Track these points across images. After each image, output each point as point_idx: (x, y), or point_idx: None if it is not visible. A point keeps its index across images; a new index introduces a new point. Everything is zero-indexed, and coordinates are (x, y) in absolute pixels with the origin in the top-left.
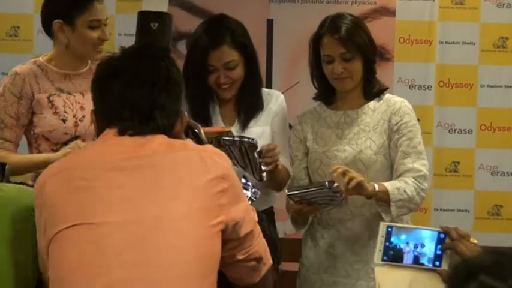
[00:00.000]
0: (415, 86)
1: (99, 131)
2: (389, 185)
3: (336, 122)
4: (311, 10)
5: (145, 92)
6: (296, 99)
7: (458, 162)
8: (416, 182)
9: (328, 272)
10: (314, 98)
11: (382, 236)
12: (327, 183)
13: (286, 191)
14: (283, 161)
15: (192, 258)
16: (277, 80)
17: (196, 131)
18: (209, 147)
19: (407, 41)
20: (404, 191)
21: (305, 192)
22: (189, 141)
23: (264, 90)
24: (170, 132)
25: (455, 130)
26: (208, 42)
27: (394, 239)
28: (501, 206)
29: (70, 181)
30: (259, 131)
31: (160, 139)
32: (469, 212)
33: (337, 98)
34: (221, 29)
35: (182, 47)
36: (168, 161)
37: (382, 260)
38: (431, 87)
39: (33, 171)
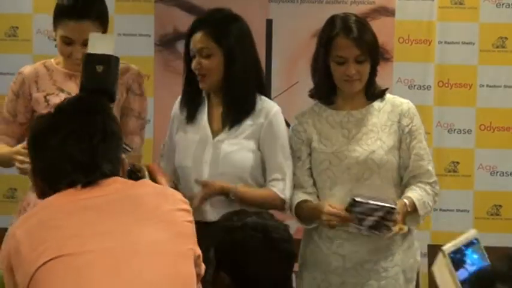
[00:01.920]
0: (414, 86)
1: (40, 191)
2: (417, 201)
3: (339, 121)
4: (310, 10)
5: (84, 146)
6: (295, 99)
7: (458, 162)
8: (433, 189)
9: (336, 272)
10: (311, 96)
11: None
12: (394, 204)
13: (352, 199)
14: (278, 186)
15: (171, 277)
16: (277, 80)
17: (139, 174)
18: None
19: (407, 41)
20: (428, 203)
21: (371, 205)
22: (149, 181)
23: (262, 98)
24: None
25: (454, 130)
26: (191, 26)
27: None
28: (500, 206)
29: (42, 223)
30: (245, 144)
31: (120, 179)
32: (468, 212)
33: (337, 97)
34: (207, 17)
35: (181, 47)
36: (135, 194)
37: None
38: (430, 87)
39: (10, 164)
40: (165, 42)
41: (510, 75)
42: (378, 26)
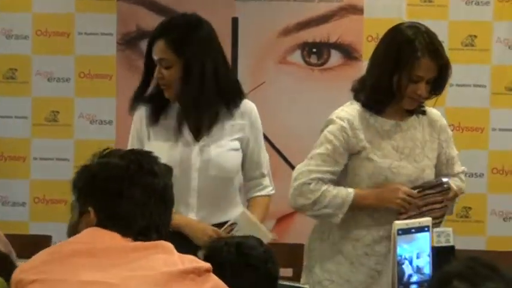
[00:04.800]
0: None
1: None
2: (455, 187)
3: (386, 131)
4: (277, 8)
5: (161, 210)
6: (262, 100)
7: None
8: (465, 177)
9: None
10: (364, 106)
11: None
12: (443, 180)
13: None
14: (266, 182)
15: None
16: (243, 80)
17: None
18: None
19: (376, 40)
20: (461, 189)
21: (428, 191)
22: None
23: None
24: None
25: None
26: (152, 34)
27: None
28: (470, 208)
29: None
30: (231, 145)
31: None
32: None
33: (387, 108)
34: (168, 25)
35: (145, 46)
36: (145, 254)
37: None
38: None
39: None
40: (127, 41)
41: (479, 74)
42: (346, 25)
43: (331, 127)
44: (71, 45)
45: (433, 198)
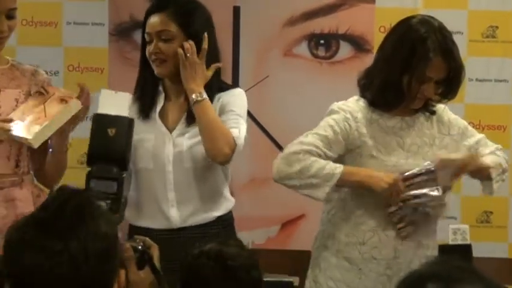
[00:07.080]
0: None
1: None
2: (491, 163)
3: (391, 127)
4: None
5: None
6: (265, 96)
7: None
8: (503, 154)
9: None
10: (372, 105)
11: None
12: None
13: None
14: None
15: None
16: (245, 74)
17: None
18: None
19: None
20: (500, 164)
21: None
22: None
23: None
24: None
25: None
26: (149, 9)
27: None
28: (491, 212)
29: None
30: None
31: None
32: (456, 219)
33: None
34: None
35: (139, 37)
36: None
37: None
38: None
39: None
40: (120, 32)
41: (501, 68)
42: (357, 14)
43: (334, 116)
44: (59, 35)
45: (418, 182)
